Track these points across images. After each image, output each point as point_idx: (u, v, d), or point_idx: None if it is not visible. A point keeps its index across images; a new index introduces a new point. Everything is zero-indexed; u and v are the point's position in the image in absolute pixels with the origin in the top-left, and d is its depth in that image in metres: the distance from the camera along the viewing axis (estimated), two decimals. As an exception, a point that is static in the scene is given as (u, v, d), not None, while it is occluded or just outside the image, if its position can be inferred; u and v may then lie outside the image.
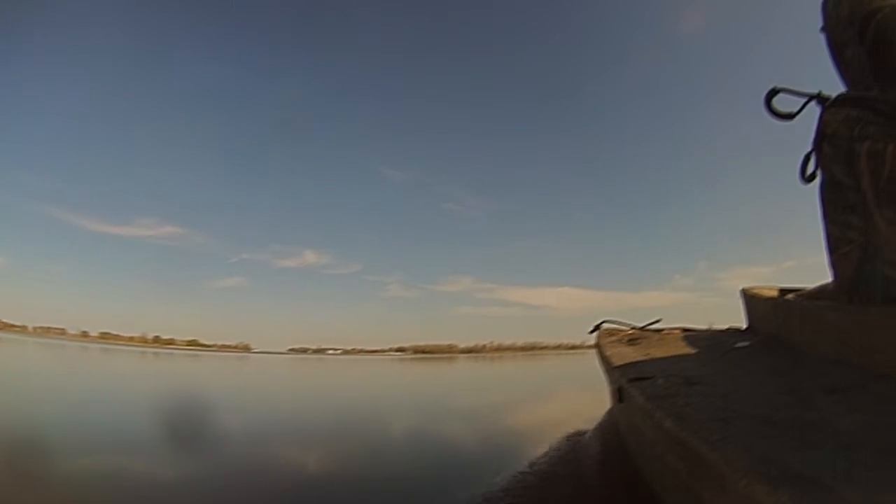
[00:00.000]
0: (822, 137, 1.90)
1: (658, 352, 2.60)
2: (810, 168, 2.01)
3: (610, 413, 3.63)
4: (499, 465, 2.96)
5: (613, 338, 3.46)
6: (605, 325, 3.89)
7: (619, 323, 3.94)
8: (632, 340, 3.28)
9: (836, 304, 1.88)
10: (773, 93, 2.04)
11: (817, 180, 1.98)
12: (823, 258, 1.93)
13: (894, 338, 1.42)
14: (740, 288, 3.10)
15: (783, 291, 2.99)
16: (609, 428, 3.49)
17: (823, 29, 2.09)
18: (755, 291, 2.97)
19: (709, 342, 2.74)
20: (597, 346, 3.39)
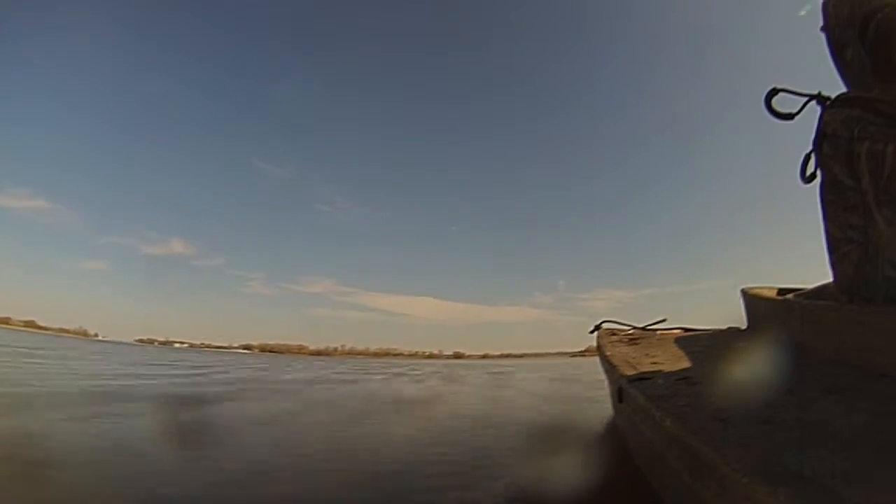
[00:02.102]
0: (823, 137, 1.90)
1: (658, 352, 2.61)
2: (810, 168, 2.02)
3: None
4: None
5: (614, 338, 3.46)
6: (605, 325, 3.90)
7: (620, 323, 3.95)
8: (632, 340, 3.28)
9: (837, 304, 1.88)
10: (773, 93, 2.04)
11: (817, 180, 1.98)
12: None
13: (894, 338, 1.42)
14: (740, 288, 3.11)
15: (783, 291, 2.99)
16: (609, 428, 3.49)
17: (824, 29, 2.09)
18: (755, 291, 2.97)
19: (709, 342, 2.74)
20: (597, 346, 3.40)
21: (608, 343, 3.23)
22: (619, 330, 3.82)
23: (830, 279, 2.00)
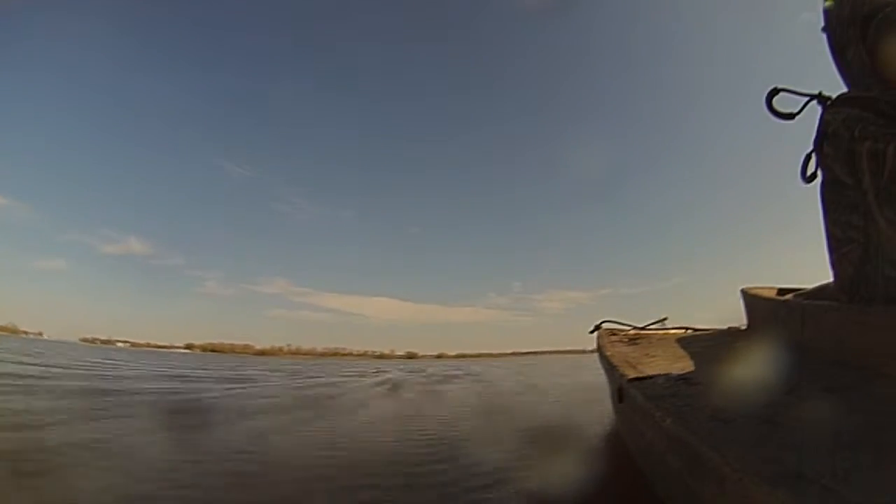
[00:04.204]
0: (823, 137, 1.90)
1: (658, 352, 2.61)
2: (811, 168, 2.01)
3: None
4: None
5: (614, 338, 3.46)
6: (605, 325, 3.89)
7: (620, 323, 3.94)
8: (632, 340, 3.28)
9: (837, 304, 1.88)
10: (774, 93, 2.04)
11: (818, 180, 1.98)
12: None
13: (894, 338, 1.41)
14: (740, 288, 3.10)
15: (782, 291, 2.98)
16: (609, 428, 3.49)
17: (825, 29, 2.09)
18: (755, 292, 2.96)
19: (709, 342, 2.75)
20: (597, 346, 3.39)
21: (608, 343, 3.22)
22: (619, 330, 3.81)
23: (831, 279, 2.00)
